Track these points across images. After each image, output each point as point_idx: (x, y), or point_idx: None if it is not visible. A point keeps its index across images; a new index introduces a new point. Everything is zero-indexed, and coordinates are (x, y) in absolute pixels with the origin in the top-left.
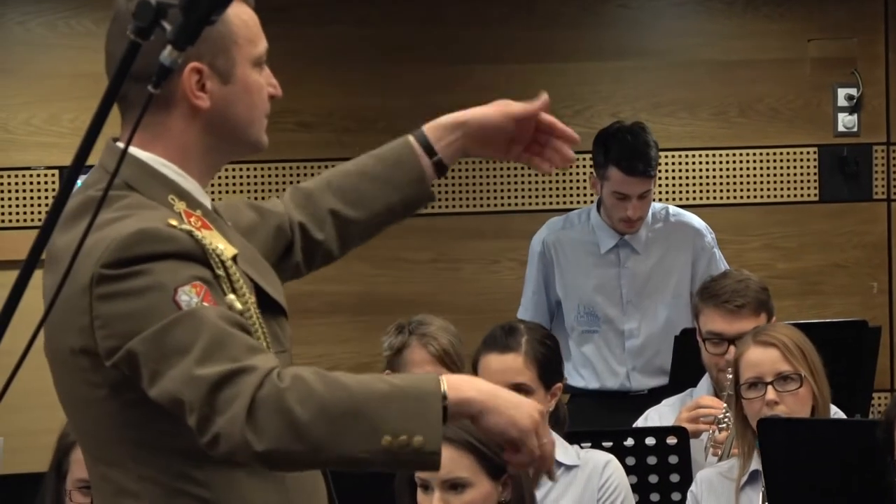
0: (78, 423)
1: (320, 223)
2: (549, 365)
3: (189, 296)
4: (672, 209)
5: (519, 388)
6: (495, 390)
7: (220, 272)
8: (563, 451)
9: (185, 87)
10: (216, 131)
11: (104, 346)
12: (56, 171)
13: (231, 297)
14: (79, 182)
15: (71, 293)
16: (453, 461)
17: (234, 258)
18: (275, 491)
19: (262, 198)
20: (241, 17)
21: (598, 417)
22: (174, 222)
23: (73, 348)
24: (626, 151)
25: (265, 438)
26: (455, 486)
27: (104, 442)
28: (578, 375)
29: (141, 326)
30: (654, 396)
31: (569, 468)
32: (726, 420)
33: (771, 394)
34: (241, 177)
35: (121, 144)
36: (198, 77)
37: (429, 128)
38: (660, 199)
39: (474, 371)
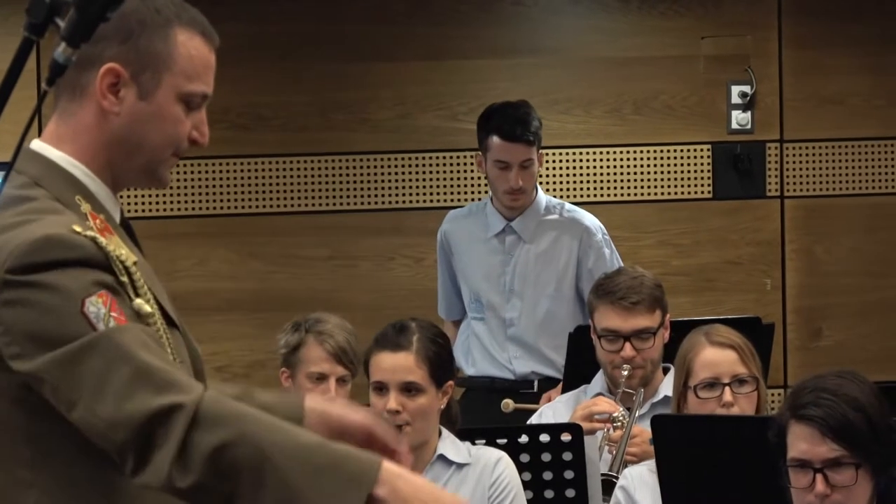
0: None
1: None
2: (440, 363)
3: (97, 307)
4: (568, 206)
5: (410, 387)
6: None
7: (124, 278)
8: (455, 449)
9: (96, 86)
10: (120, 144)
11: (7, 352)
12: None
13: (138, 301)
14: None
15: None
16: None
17: (135, 264)
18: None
19: (154, 193)
20: (190, 50)
21: (491, 413)
22: (78, 228)
23: None
24: (506, 119)
25: (190, 477)
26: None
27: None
28: (472, 363)
29: (49, 342)
30: (544, 390)
31: (460, 466)
32: (621, 418)
33: (728, 395)
34: None
35: (34, 145)
36: (113, 81)
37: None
38: (554, 196)
39: (366, 369)
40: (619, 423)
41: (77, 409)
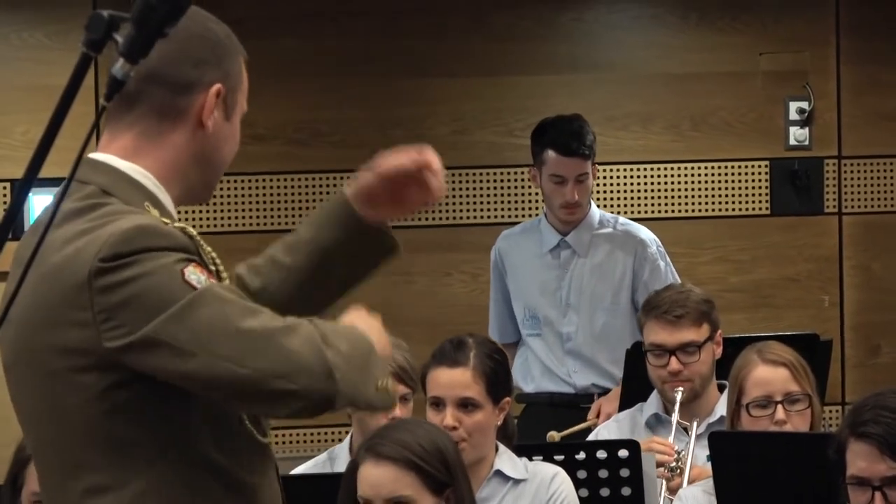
0: (42, 431)
1: (257, 271)
2: (497, 379)
3: (197, 275)
4: (622, 219)
5: (467, 402)
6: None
7: (212, 268)
8: (512, 464)
9: (206, 104)
10: (202, 160)
11: (110, 335)
12: (7, 184)
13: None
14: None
15: (58, 292)
16: (396, 480)
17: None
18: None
19: (211, 210)
20: (245, 71)
21: (551, 429)
22: (167, 220)
23: (59, 348)
24: (561, 133)
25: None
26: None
27: (74, 448)
28: (530, 380)
29: (155, 309)
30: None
31: (516, 482)
32: (680, 466)
33: (780, 413)
34: None
35: (98, 156)
36: (216, 99)
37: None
38: (612, 212)
39: (423, 385)
40: (678, 472)
41: (194, 360)
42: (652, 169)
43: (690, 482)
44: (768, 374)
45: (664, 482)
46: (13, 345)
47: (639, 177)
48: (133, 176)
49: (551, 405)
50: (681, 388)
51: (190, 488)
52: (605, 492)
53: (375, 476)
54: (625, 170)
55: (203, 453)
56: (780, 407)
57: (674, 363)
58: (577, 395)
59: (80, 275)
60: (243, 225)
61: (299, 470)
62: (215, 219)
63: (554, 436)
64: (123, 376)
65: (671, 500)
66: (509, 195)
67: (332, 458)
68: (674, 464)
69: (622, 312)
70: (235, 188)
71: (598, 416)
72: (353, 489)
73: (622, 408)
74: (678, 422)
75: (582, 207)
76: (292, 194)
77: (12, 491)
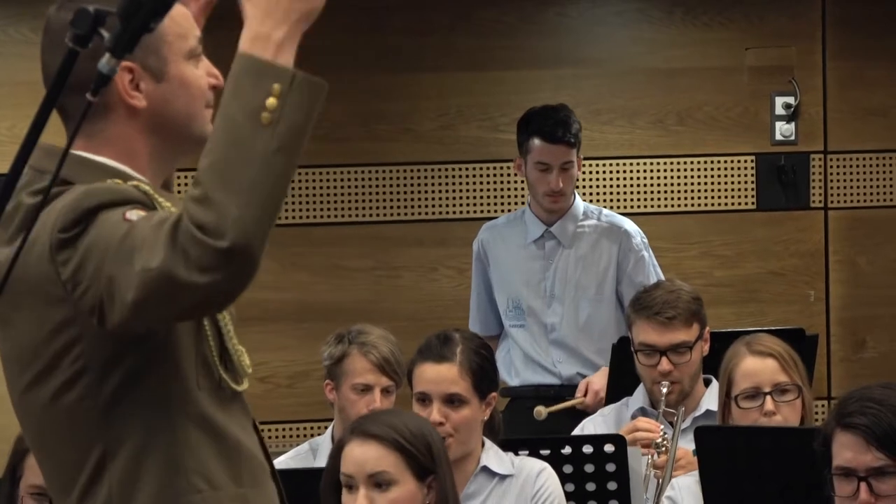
0: (39, 425)
1: None
2: (483, 374)
3: (137, 213)
4: (606, 211)
5: (453, 398)
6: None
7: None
8: (498, 460)
9: (119, 88)
10: (159, 131)
11: (84, 300)
12: None
13: None
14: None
15: (33, 273)
16: (380, 458)
17: None
18: (227, 465)
19: None
20: (171, 15)
21: (536, 423)
22: (119, 181)
23: (52, 330)
24: (546, 120)
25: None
26: (380, 483)
27: (83, 426)
28: (515, 373)
29: (103, 255)
30: None
31: (503, 478)
32: (665, 444)
33: (769, 404)
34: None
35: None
36: (130, 77)
37: None
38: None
39: (409, 380)
40: (663, 448)
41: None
42: (637, 164)
43: (676, 462)
44: (756, 366)
45: (650, 458)
46: (14, 338)
47: (624, 172)
48: (97, 160)
49: (536, 398)
50: (666, 385)
51: (185, 444)
52: (591, 486)
53: (360, 453)
54: (610, 164)
55: (198, 409)
56: (768, 398)
57: (665, 363)
58: (563, 386)
59: (45, 252)
60: None
61: (281, 459)
62: None
63: (541, 411)
64: (116, 347)
65: (658, 478)
66: (495, 190)
67: (314, 449)
68: (659, 440)
69: (606, 303)
70: None
71: (585, 393)
72: (336, 469)
73: (608, 402)
74: (664, 411)
75: (566, 197)
76: None
77: (11, 482)
